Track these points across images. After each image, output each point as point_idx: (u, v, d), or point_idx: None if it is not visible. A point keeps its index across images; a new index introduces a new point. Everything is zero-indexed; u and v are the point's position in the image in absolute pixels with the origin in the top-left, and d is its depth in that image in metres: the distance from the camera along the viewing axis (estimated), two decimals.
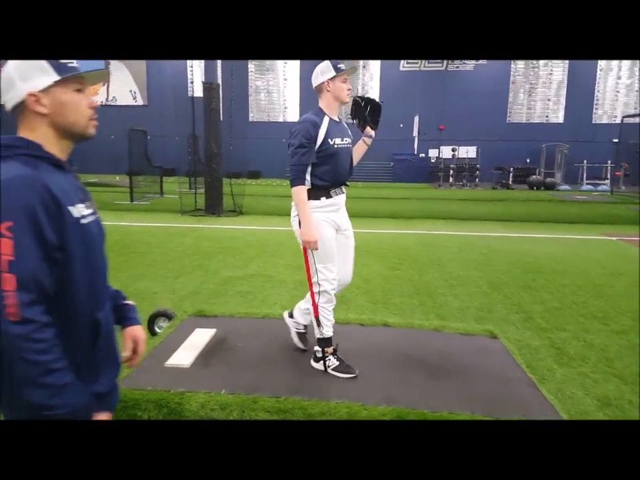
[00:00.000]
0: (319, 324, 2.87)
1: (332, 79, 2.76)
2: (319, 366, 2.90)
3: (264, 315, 3.85)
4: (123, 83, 26.68)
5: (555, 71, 25.39)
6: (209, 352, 3.14)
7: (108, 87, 26.81)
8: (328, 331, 2.88)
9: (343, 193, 2.93)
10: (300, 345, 3.20)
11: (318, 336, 2.90)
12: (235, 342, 3.29)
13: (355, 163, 3.04)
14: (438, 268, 6.14)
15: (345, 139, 2.85)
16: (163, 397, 2.50)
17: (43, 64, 1.17)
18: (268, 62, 26.57)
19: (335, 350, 2.88)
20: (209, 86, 11.03)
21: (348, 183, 3.01)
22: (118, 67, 26.65)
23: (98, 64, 1.29)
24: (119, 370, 1.42)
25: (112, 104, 26.83)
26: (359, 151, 3.07)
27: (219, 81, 11.44)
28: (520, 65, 25.58)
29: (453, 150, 23.27)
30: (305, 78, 26.26)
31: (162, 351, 3.07)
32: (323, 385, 2.74)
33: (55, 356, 1.07)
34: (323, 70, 2.78)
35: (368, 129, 3.02)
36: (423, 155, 25.60)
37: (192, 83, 25.89)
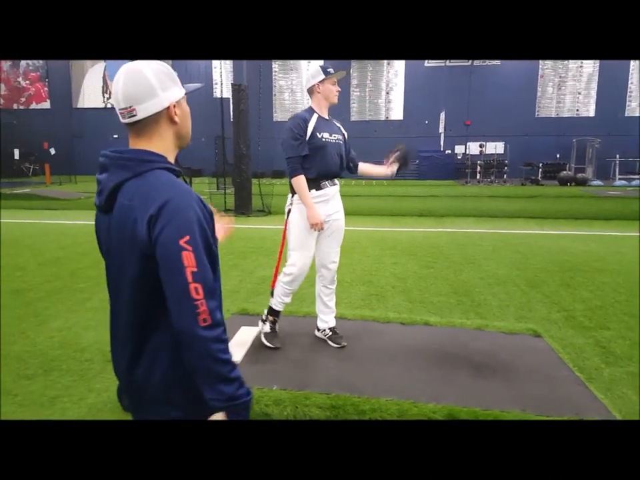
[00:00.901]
0: (272, 294, 3.26)
1: (322, 81, 3.03)
2: (260, 326, 3.33)
3: (304, 314, 3.91)
4: None
5: (586, 64, 24.78)
6: (255, 349, 3.22)
7: None
8: (274, 303, 3.25)
9: (335, 184, 3.15)
10: (337, 345, 3.26)
11: (269, 304, 3.28)
12: (280, 340, 3.36)
13: (370, 176, 3.40)
14: (473, 266, 6.10)
15: (333, 135, 3.10)
16: None
17: (174, 76, 1.24)
18: (292, 61, 26.67)
19: (274, 320, 3.27)
20: (237, 87, 11.15)
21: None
22: None
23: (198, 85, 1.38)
24: None
25: None
26: (379, 173, 3.37)
27: (246, 82, 11.55)
28: None
29: (481, 146, 22.95)
30: None
31: None
32: (372, 382, 2.78)
33: (230, 353, 1.15)
34: (314, 74, 3.07)
35: (395, 166, 3.32)
36: (449, 151, 25.32)
37: (217, 84, 26.23)
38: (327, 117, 3.13)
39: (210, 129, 18.23)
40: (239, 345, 3.23)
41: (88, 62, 27.24)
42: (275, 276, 3.28)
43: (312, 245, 3.15)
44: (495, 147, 23.69)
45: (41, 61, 27.47)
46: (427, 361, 3.08)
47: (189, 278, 1.08)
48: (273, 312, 3.29)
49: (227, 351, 1.13)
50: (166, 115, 1.21)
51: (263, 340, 3.24)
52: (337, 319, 3.59)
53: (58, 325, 4.11)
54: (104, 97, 27.52)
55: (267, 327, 3.28)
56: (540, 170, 22.28)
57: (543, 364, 3.10)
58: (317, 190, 3.03)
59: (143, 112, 1.18)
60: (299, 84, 26.92)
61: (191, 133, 1.31)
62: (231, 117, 11.62)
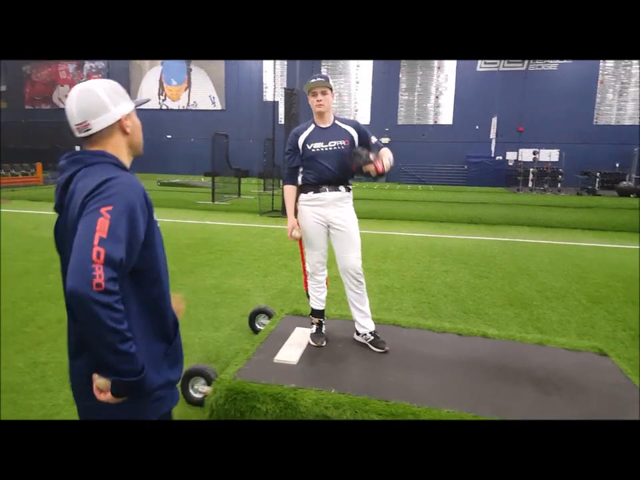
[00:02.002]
0: (307, 296, 3.43)
1: (308, 93, 3.13)
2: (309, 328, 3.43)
3: None
4: (203, 88, 27.91)
5: None
6: (311, 350, 3.22)
7: (189, 92, 28.13)
8: (312, 304, 3.37)
9: (337, 191, 3.18)
10: (380, 350, 3.23)
11: (310, 305, 3.41)
12: (334, 342, 3.35)
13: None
14: (529, 278, 5.90)
15: (330, 143, 3.14)
16: (278, 391, 2.60)
17: (124, 92, 1.37)
18: (341, 65, 26.75)
19: (319, 321, 3.36)
20: (290, 92, 11.29)
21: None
22: (199, 73, 27.90)
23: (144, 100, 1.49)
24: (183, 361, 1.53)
25: (192, 108, 28.12)
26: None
27: (298, 87, 11.67)
28: (609, 63, 24.00)
29: (535, 153, 22.23)
30: (377, 81, 26.20)
31: (268, 347, 3.19)
32: (431, 392, 2.73)
33: (127, 326, 1.13)
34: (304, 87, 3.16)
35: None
36: (500, 157, 24.67)
37: (267, 88, 26.66)
38: (326, 125, 3.18)
39: (258, 131, 18.51)
40: (295, 345, 3.24)
41: (146, 64, 28.29)
42: (305, 276, 3.41)
43: (319, 242, 3.24)
44: (550, 155, 22.91)
45: (102, 63, 28.75)
46: (486, 374, 2.99)
47: (95, 241, 1.09)
48: (313, 312, 3.37)
49: (120, 320, 1.10)
50: (118, 127, 1.35)
51: (309, 340, 3.30)
52: (391, 326, 3.56)
53: None
54: (159, 98, 28.47)
55: (313, 328, 3.36)
56: (597, 179, 21.35)
57: (611, 384, 2.94)
58: (314, 193, 3.17)
59: (96, 125, 1.31)
60: (347, 87, 26.96)
61: (142, 142, 1.44)
62: (280, 119, 11.78)
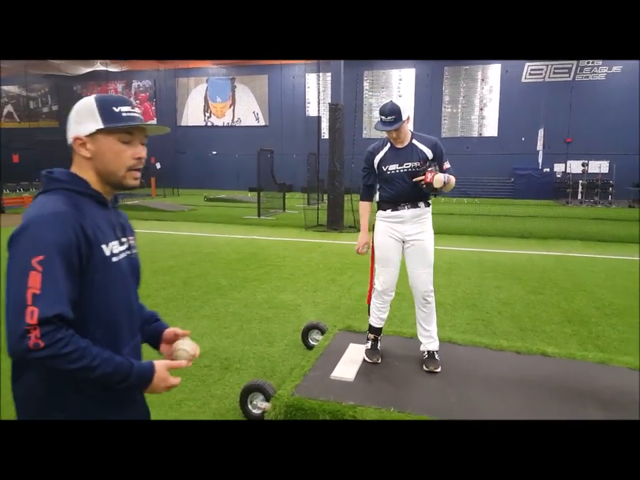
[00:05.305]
0: (368, 312, 3.41)
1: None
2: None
3: (411, 335, 3.87)
4: (247, 104, 28.61)
5: None
6: (367, 367, 3.24)
7: (234, 109, 28.90)
8: (371, 320, 3.35)
9: (417, 207, 3.15)
10: (426, 369, 3.20)
11: (368, 321, 3.40)
12: (389, 359, 3.36)
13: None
14: (585, 294, 5.70)
15: (405, 164, 3.10)
16: (337, 408, 2.63)
17: (94, 111, 1.21)
18: (383, 79, 26.83)
19: (375, 337, 3.35)
20: (334, 107, 11.43)
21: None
22: (244, 90, 28.66)
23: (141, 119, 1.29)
24: (143, 408, 1.46)
25: (237, 125, 28.86)
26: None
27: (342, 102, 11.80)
28: None
29: (584, 165, 21.48)
30: (420, 93, 26.10)
31: (324, 364, 3.23)
32: (494, 413, 2.69)
33: (92, 355, 1.11)
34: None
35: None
36: (548, 169, 23.97)
37: (309, 103, 27.08)
38: (402, 145, 3.12)
39: (301, 146, 18.73)
40: (350, 362, 3.26)
41: (192, 82, 29.29)
42: (370, 291, 3.40)
43: (394, 259, 3.21)
44: (600, 166, 22.06)
45: (149, 82, 29.96)
46: (549, 395, 2.92)
47: (28, 300, 1.04)
48: (371, 329, 3.36)
49: (77, 358, 1.08)
50: (76, 148, 1.23)
51: (364, 356, 3.31)
52: (446, 343, 3.53)
53: None
54: (204, 115, 29.40)
55: (368, 344, 3.36)
56: None
57: None
58: (392, 211, 3.16)
59: (68, 140, 1.25)
60: None
61: (119, 171, 1.25)
62: (324, 134, 11.91)
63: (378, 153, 3.18)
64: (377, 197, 3.29)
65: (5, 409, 3.03)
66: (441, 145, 3.19)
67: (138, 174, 1.28)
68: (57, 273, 1.07)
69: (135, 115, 1.25)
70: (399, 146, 3.13)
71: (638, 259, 8.02)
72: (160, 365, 1.27)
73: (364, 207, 3.36)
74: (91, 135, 1.22)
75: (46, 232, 1.09)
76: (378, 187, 3.25)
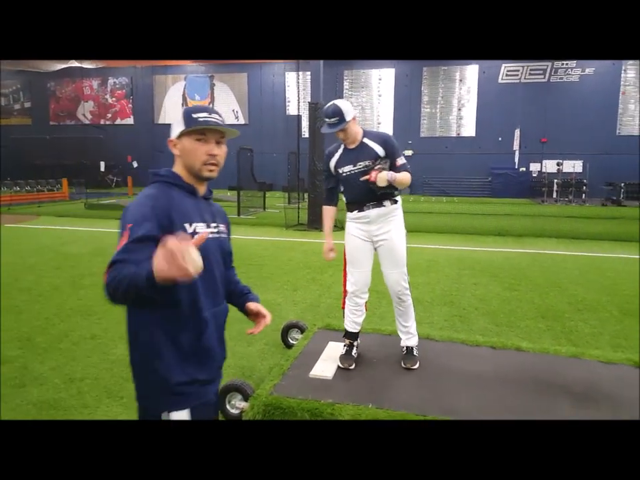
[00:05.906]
0: (343, 314, 3.35)
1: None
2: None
3: (390, 332, 3.91)
4: (226, 103, 28.39)
5: None
6: None
7: (213, 107, 28.68)
8: (346, 325, 3.30)
9: (382, 206, 3.10)
10: (404, 366, 3.23)
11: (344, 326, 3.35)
12: (367, 357, 3.39)
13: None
14: (559, 290, 5.84)
15: (359, 164, 3.06)
16: (315, 406, 2.64)
17: (180, 118, 1.50)
18: (363, 79, 26.94)
19: (350, 343, 3.29)
20: (314, 106, 11.44)
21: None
22: (223, 88, 28.43)
23: (218, 122, 1.52)
24: (222, 361, 1.64)
25: None
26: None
27: (322, 100, 11.82)
28: (631, 74, 23.62)
29: (559, 164, 21.94)
30: (399, 93, 26.27)
31: (303, 362, 3.24)
32: (469, 407, 2.74)
33: (122, 271, 1.25)
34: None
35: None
36: (524, 169, 24.41)
37: (289, 102, 27.03)
38: (354, 145, 3.09)
39: (281, 145, 18.67)
40: (330, 360, 3.28)
41: (169, 80, 28.95)
42: (344, 295, 3.34)
43: (363, 260, 3.16)
44: (573, 166, 22.54)
45: (126, 79, 29.50)
46: (523, 388, 2.99)
47: (115, 254, 1.31)
48: (346, 334, 3.30)
49: (113, 278, 1.25)
50: (171, 147, 1.54)
51: (339, 363, 3.22)
52: (423, 339, 3.57)
53: None
54: None
55: (343, 350, 3.29)
56: (622, 190, 20.93)
57: None
58: (358, 212, 3.13)
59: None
60: (369, 101, 27.11)
61: (195, 165, 1.51)
62: (304, 133, 11.90)
63: (333, 155, 3.15)
64: (345, 199, 3.25)
65: (113, 410, 3.00)
66: (392, 140, 3.11)
67: (213, 167, 1.52)
68: (140, 237, 1.32)
69: (210, 119, 1.48)
70: (351, 146, 3.09)
71: (608, 255, 8.24)
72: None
73: (326, 212, 3.31)
74: (178, 137, 1.50)
75: (137, 208, 1.41)
76: (341, 189, 3.22)
